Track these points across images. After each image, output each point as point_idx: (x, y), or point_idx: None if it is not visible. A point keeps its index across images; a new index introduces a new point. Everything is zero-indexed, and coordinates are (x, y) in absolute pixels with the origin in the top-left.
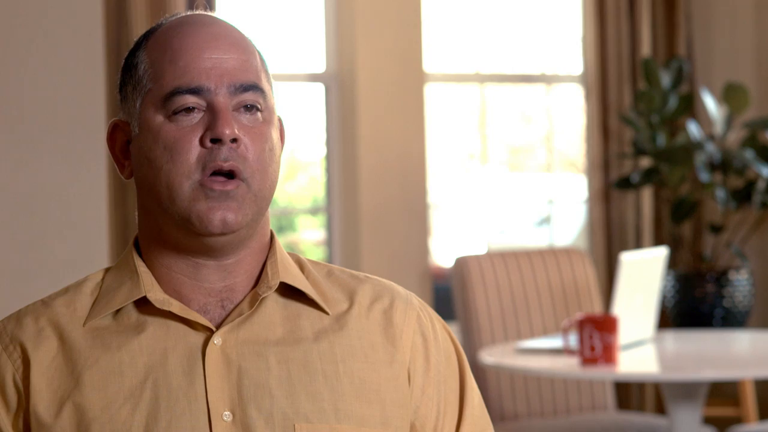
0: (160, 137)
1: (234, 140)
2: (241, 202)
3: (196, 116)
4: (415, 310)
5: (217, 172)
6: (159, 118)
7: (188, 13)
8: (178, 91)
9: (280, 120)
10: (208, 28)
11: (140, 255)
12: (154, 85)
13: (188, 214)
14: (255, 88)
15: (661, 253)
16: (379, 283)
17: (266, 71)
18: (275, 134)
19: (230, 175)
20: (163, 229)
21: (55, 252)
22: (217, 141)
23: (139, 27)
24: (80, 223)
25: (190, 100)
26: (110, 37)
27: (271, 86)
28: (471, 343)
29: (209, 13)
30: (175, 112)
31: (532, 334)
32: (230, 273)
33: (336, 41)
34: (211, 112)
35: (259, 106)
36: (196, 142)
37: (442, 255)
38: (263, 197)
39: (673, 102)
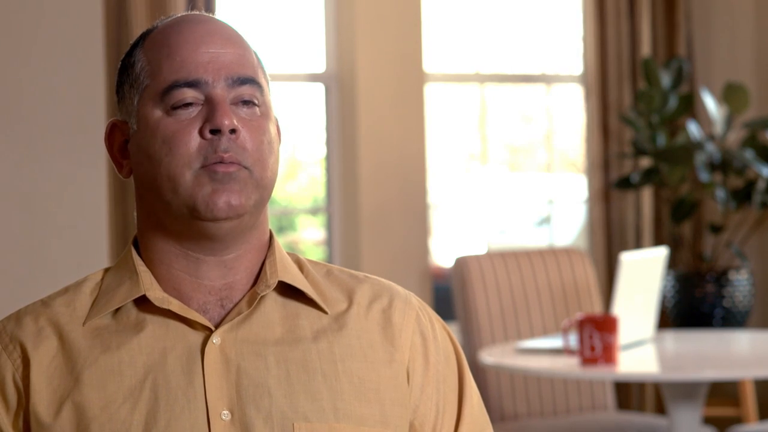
0: (159, 131)
1: (233, 131)
2: (244, 185)
3: (195, 109)
4: (414, 310)
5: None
6: (157, 113)
7: (183, 13)
8: (176, 85)
9: (276, 120)
10: (205, 25)
11: (140, 255)
12: (151, 81)
13: (193, 200)
14: (252, 81)
15: (661, 253)
16: (378, 283)
17: (263, 68)
18: (273, 129)
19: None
20: (164, 224)
21: (55, 252)
22: (216, 132)
23: (139, 27)
24: (80, 223)
25: (189, 93)
26: (110, 37)
27: (267, 83)
28: (471, 343)
29: (205, 13)
30: (174, 106)
31: (532, 334)
32: (230, 270)
33: (336, 41)
34: (210, 104)
35: (256, 100)
36: (196, 133)
37: (442, 255)
38: (264, 186)
39: (673, 102)
